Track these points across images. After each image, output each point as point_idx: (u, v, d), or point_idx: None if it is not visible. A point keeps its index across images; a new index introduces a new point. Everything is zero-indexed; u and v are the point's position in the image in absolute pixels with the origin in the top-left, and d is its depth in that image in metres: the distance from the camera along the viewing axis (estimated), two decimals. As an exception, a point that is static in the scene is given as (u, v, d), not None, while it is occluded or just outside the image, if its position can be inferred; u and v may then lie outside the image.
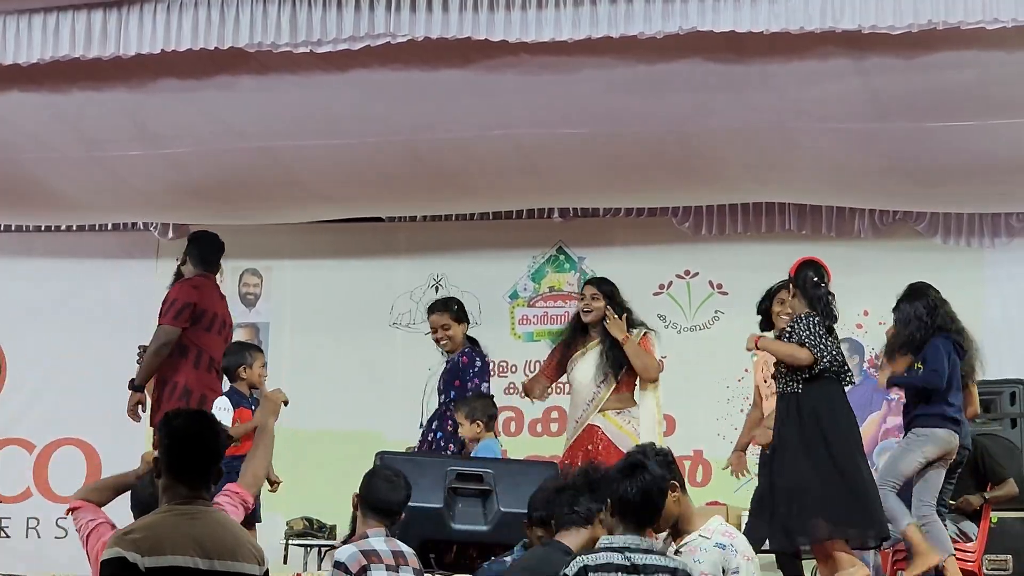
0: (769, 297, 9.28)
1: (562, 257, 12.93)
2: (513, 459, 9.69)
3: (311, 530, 11.02)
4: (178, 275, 10.18)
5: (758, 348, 8.77)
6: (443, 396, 9.67)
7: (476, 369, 9.71)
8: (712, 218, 12.26)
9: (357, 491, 7.20)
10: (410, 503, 7.98)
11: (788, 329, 8.57)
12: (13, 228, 13.23)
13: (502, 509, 8.06)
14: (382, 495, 7.09)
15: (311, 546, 11.18)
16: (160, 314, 9.81)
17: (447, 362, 9.80)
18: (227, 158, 10.64)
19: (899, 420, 11.16)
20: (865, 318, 11.03)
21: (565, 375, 9.72)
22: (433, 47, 8.92)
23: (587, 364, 9.47)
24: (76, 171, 10.74)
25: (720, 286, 12.26)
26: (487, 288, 12.60)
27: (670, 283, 12.24)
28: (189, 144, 10.43)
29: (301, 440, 9.94)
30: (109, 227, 13.05)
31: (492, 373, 10.07)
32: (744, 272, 11.86)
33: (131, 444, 9.28)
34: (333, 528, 11.92)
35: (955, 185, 10.60)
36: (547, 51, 8.88)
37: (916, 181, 10.53)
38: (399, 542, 7.00)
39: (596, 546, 5.95)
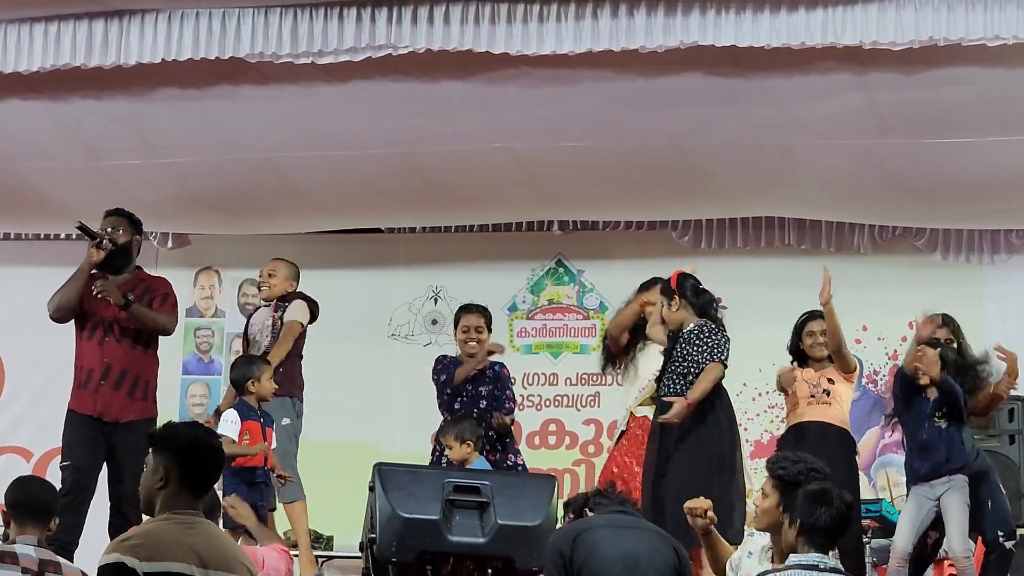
0: (798, 333, 9.26)
1: (561, 270, 12.93)
2: (511, 472, 9.67)
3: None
4: (123, 252, 9.03)
5: (690, 407, 8.72)
6: (483, 402, 9.68)
7: (511, 384, 9.84)
8: (711, 232, 12.25)
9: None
10: (407, 514, 7.98)
11: (694, 341, 8.73)
12: (13, 236, 13.22)
13: (499, 522, 8.03)
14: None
15: (308, 557, 11.16)
16: (162, 299, 9.10)
17: (486, 370, 9.77)
18: (227, 168, 10.64)
19: (898, 436, 11.15)
20: (864, 333, 11.02)
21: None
22: (434, 59, 8.94)
23: (651, 354, 9.35)
24: (76, 180, 10.75)
25: (719, 300, 12.22)
26: (486, 300, 12.45)
27: (669, 296, 12.27)
28: (189, 154, 10.45)
29: (298, 451, 9.91)
30: (108, 235, 13.04)
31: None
32: (743, 286, 11.86)
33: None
34: (330, 539, 11.91)
35: (955, 201, 10.61)
36: (548, 64, 8.89)
37: (916, 197, 10.53)
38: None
39: (786, 563, 5.94)
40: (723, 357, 8.69)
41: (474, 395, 9.69)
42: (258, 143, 10.30)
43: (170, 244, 12.92)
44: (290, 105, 9.77)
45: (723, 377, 8.70)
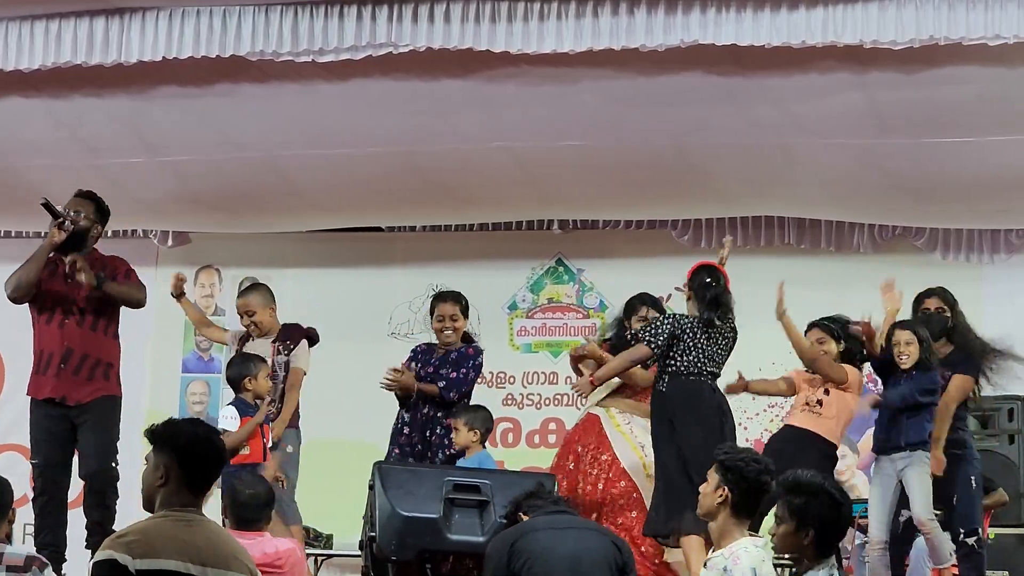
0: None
1: (561, 269, 12.93)
2: (510, 470, 9.68)
3: (308, 539, 10.98)
4: (83, 234, 8.66)
5: (594, 384, 8.93)
6: (441, 382, 9.59)
7: (475, 362, 9.64)
8: (711, 231, 12.25)
9: None
10: (407, 512, 7.98)
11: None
12: (13, 234, 13.22)
13: (499, 520, 8.05)
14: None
15: (308, 555, 11.16)
16: (125, 274, 8.77)
17: (450, 352, 9.70)
18: (227, 167, 10.65)
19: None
20: (863, 333, 11.01)
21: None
22: (434, 58, 8.94)
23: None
24: (76, 178, 10.73)
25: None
26: (486, 299, 12.59)
27: (669, 296, 12.23)
28: (190, 152, 10.45)
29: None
30: (109, 234, 12.95)
31: (491, 384, 10.06)
32: (743, 286, 11.79)
33: (128, 447, 9.23)
34: (330, 537, 11.90)
35: (955, 201, 10.61)
36: (548, 63, 8.89)
37: (916, 196, 10.53)
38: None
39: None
40: (646, 338, 8.73)
41: (433, 381, 9.60)
42: (258, 142, 10.30)
43: (170, 242, 12.93)
44: (290, 104, 9.77)
45: (646, 357, 8.77)
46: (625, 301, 9.63)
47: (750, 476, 6.37)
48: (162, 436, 5.20)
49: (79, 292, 8.60)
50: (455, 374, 9.53)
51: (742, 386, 9.29)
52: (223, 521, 7.66)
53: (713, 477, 6.46)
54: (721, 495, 6.37)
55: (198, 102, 9.85)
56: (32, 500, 8.64)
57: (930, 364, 8.72)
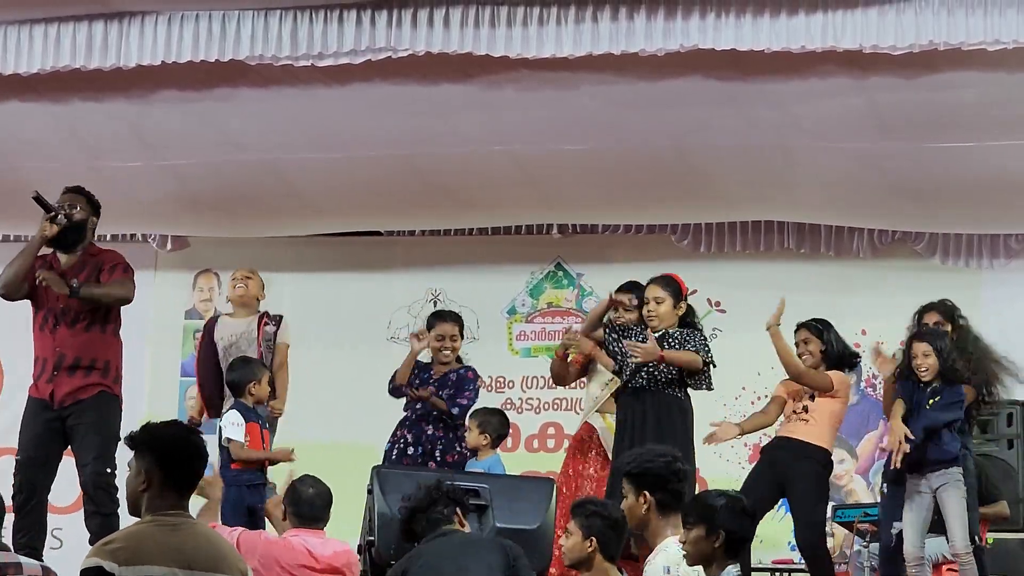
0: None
1: (560, 273, 12.92)
2: (509, 475, 9.67)
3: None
4: (77, 229, 8.61)
5: (664, 360, 8.73)
6: (454, 408, 9.62)
7: (475, 385, 9.70)
8: (711, 236, 12.24)
9: None
10: (406, 517, 7.98)
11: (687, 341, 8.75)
12: (11, 238, 13.20)
13: (498, 524, 8.04)
14: None
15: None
16: (110, 269, 8.56)
17: (448, 374, 9.72)
18: (227, 170, 10.64)
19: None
20: (863, 337, 10.99)
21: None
22: (434, 62, 8.94)
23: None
24: (75, 181, 10.70)
25: (718, 304, 12.24)
26: (485, 303, 12.58)
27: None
28: (189, 156, 10.45)
29: (295, 452, 9.90)
30: (108, 238, 13.02)
31: (489, 389, 10.07)
32: (742, 290, 11.86)
33: (126, 453, 9.22)
34: (328, 541, 11.89)
35: (954, 205, 10.61)
36: (548, 67, 8.90)
37: (915, 201, 10.53)
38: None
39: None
40: (709, 359, 8.76)
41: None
42: (258, 145, 10.30)
43: (169, 246, 12.91)
44: (290, 107, 9.78)
45: (701, 368, 8.75)
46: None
47: (662, 472, 6.58)
48: (141, 440, 5.18)
49: (66, 297, 8.47)
50: (462, 399, 9.57)
51: (735, 433, 9.20)
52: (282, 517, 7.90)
53: (629, 489, 6.66)
54: (644, 502, 6.59)
55: (197, 106, 9.85)
56: (12, 497, 8.52)
57: (954, 375, 8.63)
